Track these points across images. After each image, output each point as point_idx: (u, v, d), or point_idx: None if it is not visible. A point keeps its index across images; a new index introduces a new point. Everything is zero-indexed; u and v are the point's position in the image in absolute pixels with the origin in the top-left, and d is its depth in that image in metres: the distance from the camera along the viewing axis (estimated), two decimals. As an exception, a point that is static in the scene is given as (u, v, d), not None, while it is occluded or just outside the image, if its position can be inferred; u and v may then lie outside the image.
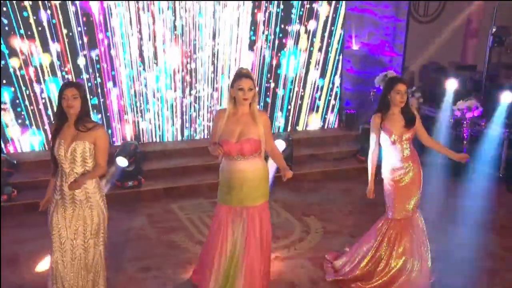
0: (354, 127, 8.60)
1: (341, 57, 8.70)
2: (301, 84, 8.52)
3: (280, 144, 7.10)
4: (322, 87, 8.72)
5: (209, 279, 4.14)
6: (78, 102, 3.62)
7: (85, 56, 7.16)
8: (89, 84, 7.24)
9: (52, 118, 7.12)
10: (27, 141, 7.24)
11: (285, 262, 5.12)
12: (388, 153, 4.45)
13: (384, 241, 4.56)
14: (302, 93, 8.58)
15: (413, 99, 8.39)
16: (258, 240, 4.13)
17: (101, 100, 7.41)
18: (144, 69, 7.52)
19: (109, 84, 7.41)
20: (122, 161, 6.54)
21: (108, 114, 7.50)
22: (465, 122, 7.69)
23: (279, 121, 8.52)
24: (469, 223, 5.93)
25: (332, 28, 8.50)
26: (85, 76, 7.20)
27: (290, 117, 8.58)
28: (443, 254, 5.12)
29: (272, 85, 8.31)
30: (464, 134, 7.75)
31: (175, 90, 7.76)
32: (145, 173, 6.87)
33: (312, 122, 8.77)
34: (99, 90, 7.36)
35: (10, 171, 6.40)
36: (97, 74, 7.29)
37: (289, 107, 8.53)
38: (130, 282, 4.73)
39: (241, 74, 3.92)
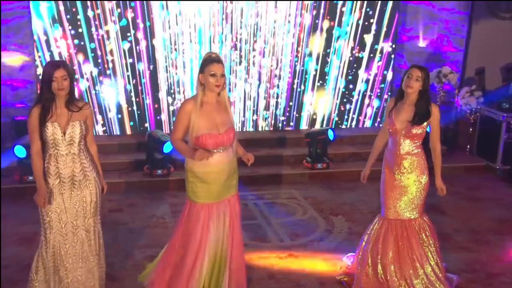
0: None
1: (392, 52, 8.23)
2: (348, 80, 8.16)
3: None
4: (373, 83, 8.30)
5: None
6: (67, 83, 3.51)
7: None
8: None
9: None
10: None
11: (298, 260, 4.81)
12: (389, 143, 4.14)
13: (372, 242, 4.19)
14: (353, 90, 8.22)
15: (471, 98, 7.74)
16: (241, 229, 3.93)
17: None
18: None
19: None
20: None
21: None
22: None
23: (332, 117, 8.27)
24: None
25: (385, 20, 8.06)
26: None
27: (335, 114, 8.25)
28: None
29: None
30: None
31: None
32: (174, 162, 6.79)
33: (360, 120, 8.37)
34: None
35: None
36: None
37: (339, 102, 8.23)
38: (134, 268, 4.62)
39: (212, 59, 3.61)
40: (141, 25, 7.35)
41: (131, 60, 7.41)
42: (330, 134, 7.15)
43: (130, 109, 7.57)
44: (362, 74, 8.25)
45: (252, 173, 6.89)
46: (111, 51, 7.34)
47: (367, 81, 8.29)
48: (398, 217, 4.13)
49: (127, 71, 7.44)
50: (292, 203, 6.21)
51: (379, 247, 4.16)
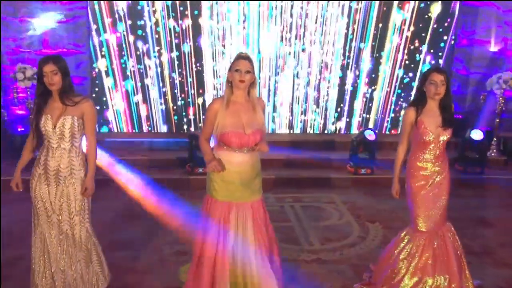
0: (460, 134, 7.66)
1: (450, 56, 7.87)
2: (397, 85, 7.91)
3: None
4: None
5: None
6: (58, 77, 3.51)
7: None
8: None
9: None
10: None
11: (324, 265, 4.67)
12: (417, 152, 3.87)
13: (402, 254, 3.95)
14: (403, 94, 7.96)
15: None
16: (265, 237, 3.74)
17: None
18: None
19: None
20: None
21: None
22: None
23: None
24: None
25: (443, 23, 7.73)
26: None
27: (389, 118, 8.00)
28: None
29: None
30: None
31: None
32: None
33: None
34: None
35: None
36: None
37: (396, 108, 7.98)
38: (159, 262, 4.67)
39: (239, 56, 3.60)
40: (188, 23, 7.50)
41: (177, 60, 7.58)
42: (368, 135, 6.92)
43: (175, 107, 7.75)
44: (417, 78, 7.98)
45: (293, 175, 6.83)
46: (159, 51, 7.54)
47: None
48: (434, 227, 3.92)
49: (173, 71, 7.61)
50: (329, 208, 6.07)
51: (415, 262, 3.94)
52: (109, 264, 4.17)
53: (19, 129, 7.36)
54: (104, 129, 7.77)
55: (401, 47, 7.86)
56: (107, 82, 7.59)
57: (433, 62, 7.94)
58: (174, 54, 7.56)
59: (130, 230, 5.35)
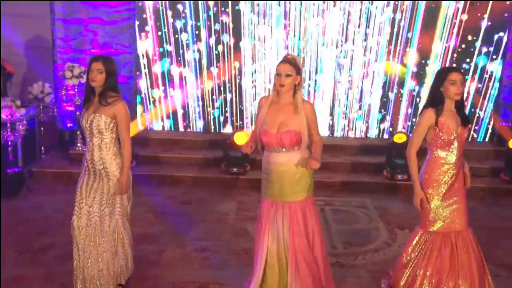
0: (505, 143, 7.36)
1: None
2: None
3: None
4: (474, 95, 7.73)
5: (254, 277, 3.80)
6: (102, 77, 3.70)
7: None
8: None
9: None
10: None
11: (342, 269, 4.63)
12: (436, 154, 3.75)
13: (418, 258, 3.84)
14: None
15: None
16: (304, 238, 3.73)
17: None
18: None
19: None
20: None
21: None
22: None
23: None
24: None
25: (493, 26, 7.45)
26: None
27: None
28: None
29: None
30: None
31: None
32: (252, 162, 6.89)
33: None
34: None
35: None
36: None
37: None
38: (181, 257, 4.78)
39: (282, 59, 3.66)
40: (227, 21, 7.63)
41: (217, 61, 7.73)
42: (398, 138, 6.81)
43: (212, 107, 7.91)
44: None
45: (327, 178, 6.79)
46: (199, 50, 7.72)
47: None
48: (446, 228, 3.81)
49: (212, 67, 7.77)
50: (359, 212, 6.00)
51: (428, 260, 3.86)
52: (134, 256, 4.34)
53: (68, 125, 7.76)
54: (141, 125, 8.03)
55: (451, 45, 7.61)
56: (149, 81, 7.83)
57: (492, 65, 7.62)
58: (214, 52, 7.71)
59: (160, 225, 5.52)
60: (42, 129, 7.39)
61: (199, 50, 7.70)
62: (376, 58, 7.67)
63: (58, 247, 4.86)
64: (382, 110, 7.84)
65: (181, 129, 7.98)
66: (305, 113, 3.65)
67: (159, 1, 7.55)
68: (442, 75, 3.66)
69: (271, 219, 3.77)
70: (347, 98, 7.83)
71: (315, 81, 7.79)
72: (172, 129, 7.99)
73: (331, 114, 7.88)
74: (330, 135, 7.91)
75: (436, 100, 3.69)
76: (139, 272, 4.35)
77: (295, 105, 3.66)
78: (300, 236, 3.73)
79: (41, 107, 7.29)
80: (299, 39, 7.64)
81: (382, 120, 7.87)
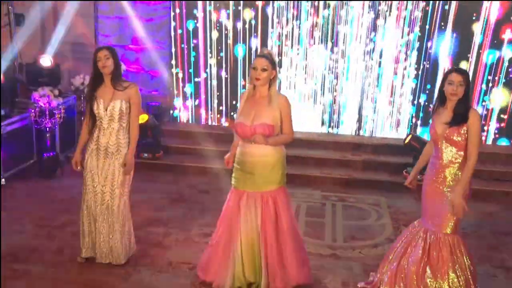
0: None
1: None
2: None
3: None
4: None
5: (224, 269, 3.97)
6: (110, 61, 4.04)
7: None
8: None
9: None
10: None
11: (336, 260, 4.71)
12: (434, 152, 3.89)
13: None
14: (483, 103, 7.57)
15: None
16: (275, 225, 3.90)
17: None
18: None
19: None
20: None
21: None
22: None
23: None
24: None
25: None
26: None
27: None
28: None
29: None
30: None
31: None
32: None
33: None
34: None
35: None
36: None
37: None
38: (183, 241, 5.02)
39: (258, 54, 3.86)
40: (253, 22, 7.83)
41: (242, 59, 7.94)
42: (409, 139, 6.81)
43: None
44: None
45: (346, 175, 6.85)
46: (227, 45, 7.96)
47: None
48: (433, 228, 3.85)
49: (243, 68, 7.99)
50: (370, 209, 6.02)
51: (408, 257, 3.92)
52: (141, 237, 4.64)
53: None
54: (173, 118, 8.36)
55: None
56: (181, 76, 8.15)
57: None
58: (241, 50, 7.93)
59: (172, 210, 5.79)
60: (82, 118, 7.87)
61: (227, 45, 7.95)
62: (406, 58, 7.62)
63: (75, 224, 5.24)
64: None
65: (209, 123, 8.26)
66: (279, 106, 3.80)
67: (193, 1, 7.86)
68: (444, 75, 3.79)
69: (243, 209, 3.90)
70: (376, 99, 7.81)
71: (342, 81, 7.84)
72: (201, 123, 8.28)
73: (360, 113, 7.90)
74: (357, 134, 7.93)
75: (438, 99, 3.83)
76: (141, 252, 4.64)
77: (269, 98, 3.81)
78: (270, 223, 3.88)
79: (82, 97, 7.78)
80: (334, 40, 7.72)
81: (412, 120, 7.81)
